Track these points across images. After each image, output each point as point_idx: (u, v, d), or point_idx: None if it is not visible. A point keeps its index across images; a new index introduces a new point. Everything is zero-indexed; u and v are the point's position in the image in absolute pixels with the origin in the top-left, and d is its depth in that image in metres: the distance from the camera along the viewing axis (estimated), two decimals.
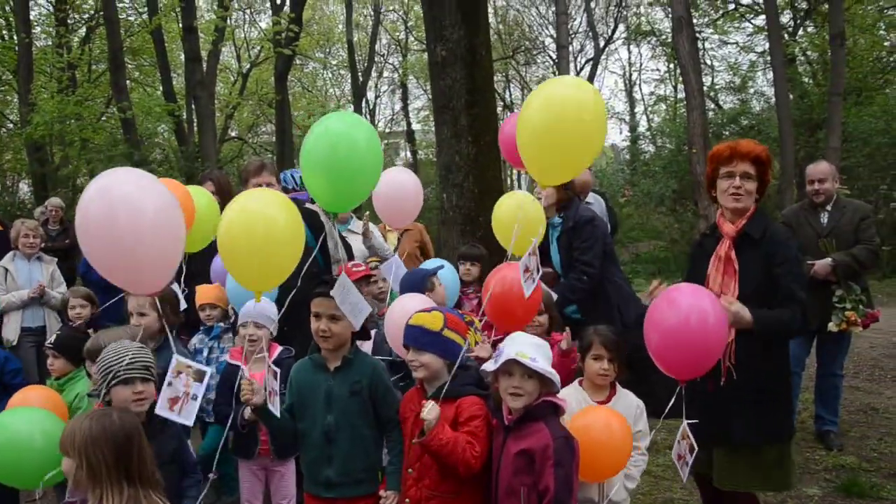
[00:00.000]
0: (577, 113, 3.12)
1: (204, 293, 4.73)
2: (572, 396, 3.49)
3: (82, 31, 21.93)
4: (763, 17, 19.10)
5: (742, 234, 3.48)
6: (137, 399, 3.10)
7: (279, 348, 4.14)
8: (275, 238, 2.98)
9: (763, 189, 3.56)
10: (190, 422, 3.05)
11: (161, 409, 3.00)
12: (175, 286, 4.51)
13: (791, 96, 17.49)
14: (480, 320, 4.04)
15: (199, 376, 3.03)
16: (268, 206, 3.04)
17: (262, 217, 2.97)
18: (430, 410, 2.86)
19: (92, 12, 20.65)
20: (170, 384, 2.97)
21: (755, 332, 3.32)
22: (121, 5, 19.20)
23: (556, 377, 2.87)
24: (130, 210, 2.65)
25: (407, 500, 3.10)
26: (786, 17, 21.88)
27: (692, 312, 3.00)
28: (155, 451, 3.05)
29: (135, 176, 2.80)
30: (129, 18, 21.26)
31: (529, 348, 2.92)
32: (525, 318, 3.95)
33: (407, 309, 3.67)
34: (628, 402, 3.55)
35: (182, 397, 2.98)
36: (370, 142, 3.29)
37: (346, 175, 3.21)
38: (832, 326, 5.48)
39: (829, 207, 5.73)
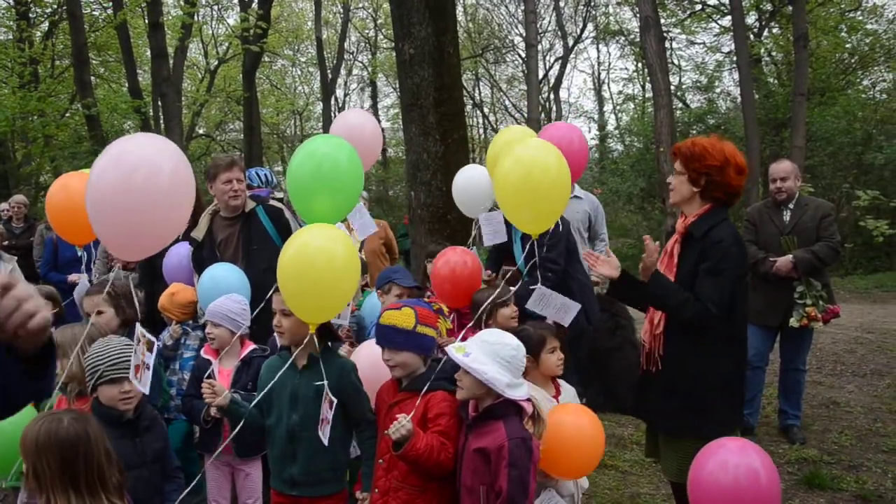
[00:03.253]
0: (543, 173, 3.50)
1: (163, 295, 4.70)
2: (536, 395, 3.51)
3: (44, 25, 21.52)
4: (729, 17, 19.35)
5: (687, 231, 3.49)
6: (124, 398, 3.11)
7: (250, 346, 4.11)
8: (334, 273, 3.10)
9: (700, 184, 3.45)
10: (146, 389, 3.06)
11: (131, 377, 3.02)
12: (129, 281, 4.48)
13: (756, 96, 17.75)
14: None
15: (150, 346, 3.04)
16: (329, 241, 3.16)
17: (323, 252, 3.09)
18: (397, 429, 2.85)
19: (55, 6, 20.26)
20: (135, 353, 3.00)
21: (647, 290, 3.45)
22: (85, 0, 18.89)
23: (486, 375, 2.79)
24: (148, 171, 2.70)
25: (376, 489, 3.11)
26: (751, 19, 22.21)
27: (740, 471, 2.77)
28: (140, 449, 3.14)
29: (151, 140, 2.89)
30: (94, 14, 20.91)
31: (473, 343, 2.92)
32: (466, 294, 4.44)
33: (372, 353, 3.57)
34: (571, 393, 3.61)
35: (141, 366, 3.00)
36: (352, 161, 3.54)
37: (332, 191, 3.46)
38: (794, 322, 5.57)
39: (791, 205, 5.80)
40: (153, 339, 3.06)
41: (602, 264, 3.53)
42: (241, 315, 4.02)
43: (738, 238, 3.47)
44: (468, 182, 4.94)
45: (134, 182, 2.63)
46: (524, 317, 4.27)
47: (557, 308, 3.75)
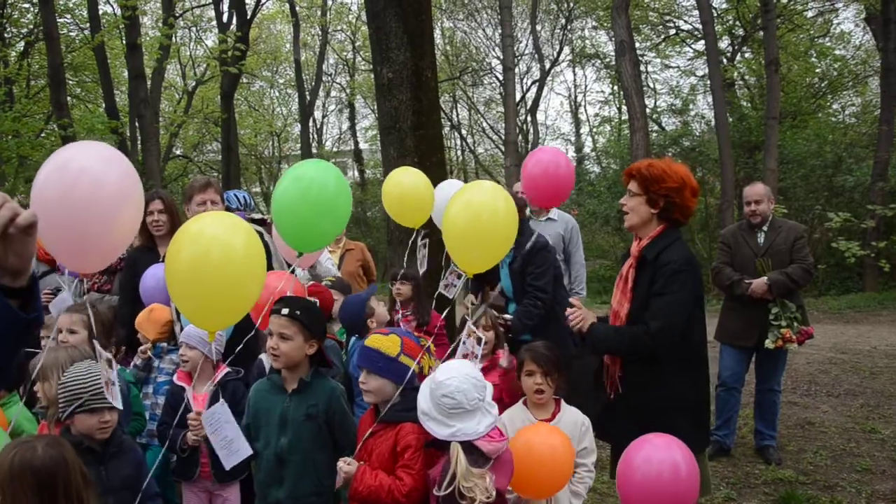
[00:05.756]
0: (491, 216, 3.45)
1: (140, 314, 4.61)
2: (517, 416, 3.52)
3: (20, 45, 21.39)
4: (703, 42, 19.66)
5: (641, 255, 3.48)
6: (102, 427, 3.06)
7: (225, 370, 4.05)
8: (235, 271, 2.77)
9: (659, 206, 3.46)
10: (119, 404, 2.92)
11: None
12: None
13: (730, 119, 18.00)
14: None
15: (109, 363, 2.88)
16: (226, 231, 2.80)
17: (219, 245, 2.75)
18: (338, 471, 2.96)
19: (31, 27, 20.15)
20: (103, 368, 2.87)
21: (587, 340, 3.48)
22: (61, 21, 18.81)
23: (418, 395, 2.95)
24: (91, 180, 2.41)
25: None
26: (724, 43, 22.59)
27: (664, 466, 2.98)
28: (105, 476, 3.04)
29: (97, 148, 2.57)
30: (71, 34, 20.81)
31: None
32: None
33: None
34: (573, 420, 3.54)
35: (108, 382, 2.86)
36: (339, 185, 3.47)
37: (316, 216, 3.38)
38: (769, 344, 5.61)
39: (765, 227, 5.88)
40: (108, 355, 2.93)
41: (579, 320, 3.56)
42: (215, 340, 3.98)
43: (691, 259, 3.46)
44: (447, 197, 4.93)
45: (77, 192, 2.39)
46: (517, 344, 4.29)
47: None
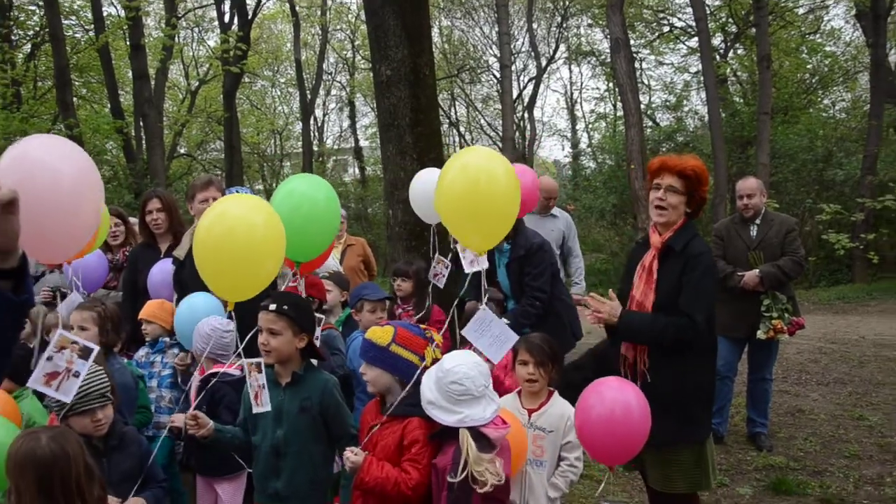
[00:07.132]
0: (489, 184, 3.33)
1: (145, 308, 4.62)
2: (507, 404, 3.57)
3: (27, 47, 21.49)
4: (696, 39, 19.83)
5: (666, 246, 3.53)
6: (98, 426, 3.09)
7: (213, 369, 3.94)
8: (256, 244, 3.02)
9: (695, 205, 3.56)
10: (69, 398, 2.76)
11: (35, 383, 2.65)
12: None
13: (723, 114, 18.07)
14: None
15: (85, 353, 2.71)
16: (249, 210, 3.10)
17: (242, 223, 3.02)
18: (345, 460, 3.01)
19: (37, 29, 20.27)
20: (50, 359, 2.65)
21: (618, 334, 3.57)
22: (67, 22, 18.94)
23: (422, 385, 3.01)
24: (48, 173, 2.34)
25: None
26: (717, 40, 22.68)
27: (616, 405, 3.14)
28: (105, 469, 3.00)
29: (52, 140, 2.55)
30: (76, 36, 20.93)
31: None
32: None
33: None
34: (560, 412, 3.55)
35: (63, 373, 2.68)
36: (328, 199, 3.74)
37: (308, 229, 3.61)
38: (761, 334, 5.73)
39: (757, 221, 5.96)
40: (91, 346, 2.75)
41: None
42: (202, 338, 3.98)
43: (711, 251, 3.67)
44: (425, 186, 4.71)
45: (36, 183, 2.28)
46: None
47: (493, 338, 3.54)
